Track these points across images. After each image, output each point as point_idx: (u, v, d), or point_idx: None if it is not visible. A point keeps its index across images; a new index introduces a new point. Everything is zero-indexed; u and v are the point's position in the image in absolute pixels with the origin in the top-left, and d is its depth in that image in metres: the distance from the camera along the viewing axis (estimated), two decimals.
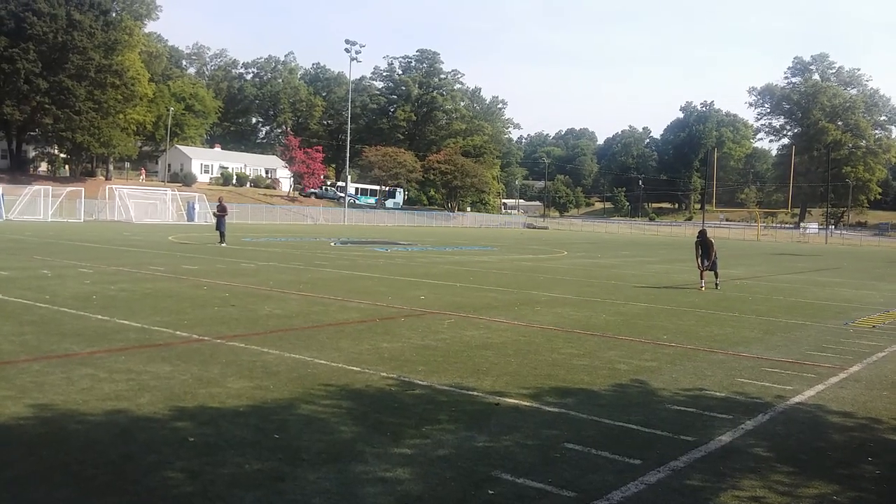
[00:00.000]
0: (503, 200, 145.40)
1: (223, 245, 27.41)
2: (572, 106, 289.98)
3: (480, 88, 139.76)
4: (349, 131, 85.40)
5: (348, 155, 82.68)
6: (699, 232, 18.66)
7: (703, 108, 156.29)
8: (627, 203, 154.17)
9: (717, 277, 18.45)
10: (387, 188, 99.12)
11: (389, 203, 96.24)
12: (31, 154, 79.84)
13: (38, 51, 64.32)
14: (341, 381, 7.17)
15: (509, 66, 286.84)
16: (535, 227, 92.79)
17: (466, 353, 8.83)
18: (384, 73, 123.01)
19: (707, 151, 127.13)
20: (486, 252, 31.96)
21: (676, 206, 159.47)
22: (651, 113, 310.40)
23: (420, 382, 7.24)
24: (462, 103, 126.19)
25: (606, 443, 5.61)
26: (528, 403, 6.66)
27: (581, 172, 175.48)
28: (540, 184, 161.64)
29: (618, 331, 11.09)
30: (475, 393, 6.94)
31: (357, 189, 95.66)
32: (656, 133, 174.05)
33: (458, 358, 8.49)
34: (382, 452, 5.15)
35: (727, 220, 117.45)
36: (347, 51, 72.53)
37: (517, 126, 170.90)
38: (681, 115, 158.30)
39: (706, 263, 18.01)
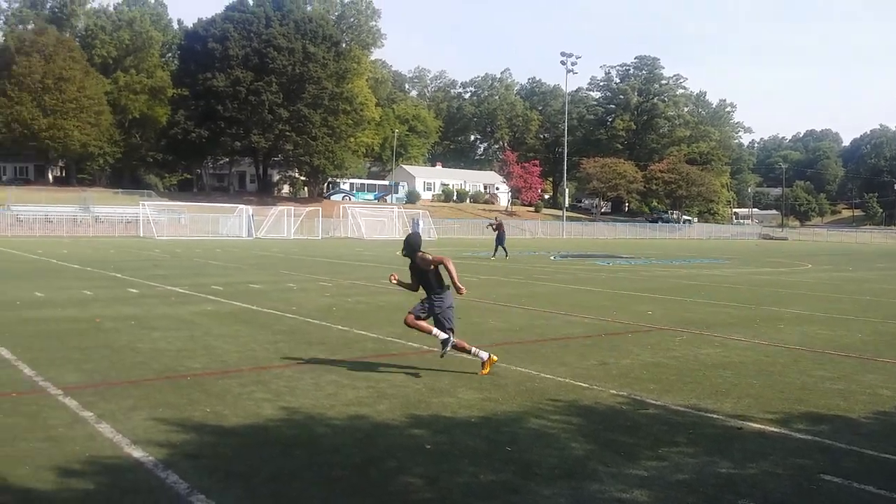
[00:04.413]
0: (734, 210, 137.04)
1: (506, 258, 29.53)
2: (810, 106, 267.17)
3: (705, 92, 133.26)
4: (566, 144, 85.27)
5: (565, 167, 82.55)
6: None
7: None
8: (881, 210, 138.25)
9: None
10: (388, 183, 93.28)
11: (393, 199, 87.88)
12: (276, 177, 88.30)
13: (279, 83, 71.17)
14: (569, 396, 7.04)
15: (736, 68, 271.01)
16: (772, 238, 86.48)
17: (702, 372, 8.32)
18: (601, 83, 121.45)
19: None
20: (717, 265, 30.22)
21: None
22: None
23: (653, 402, 6.92)
24: (686, 109, 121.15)
25: (870, 476, 4.98)
26: (774, 429, 6.11)
27: (824, 177, 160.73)
28: (776, 191, 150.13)
29: (877, 352, 9.91)
30: (715, 415, 6.49)
31: (351, 185, 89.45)
32: None
33: (693, 377, 8.02)
34: (617, 472, 4.95)
35: None
36: (563, 63, 72.67)
37: (748, 130, 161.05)
38: None
39: None
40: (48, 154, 74.83)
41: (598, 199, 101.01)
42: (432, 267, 7.98)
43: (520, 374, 7.91)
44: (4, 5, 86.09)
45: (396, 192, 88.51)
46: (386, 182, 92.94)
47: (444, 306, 7.95)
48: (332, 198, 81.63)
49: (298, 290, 16.32)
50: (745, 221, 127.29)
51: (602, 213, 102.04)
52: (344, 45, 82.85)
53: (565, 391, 7.24)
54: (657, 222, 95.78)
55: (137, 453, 5.12)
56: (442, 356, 8.07)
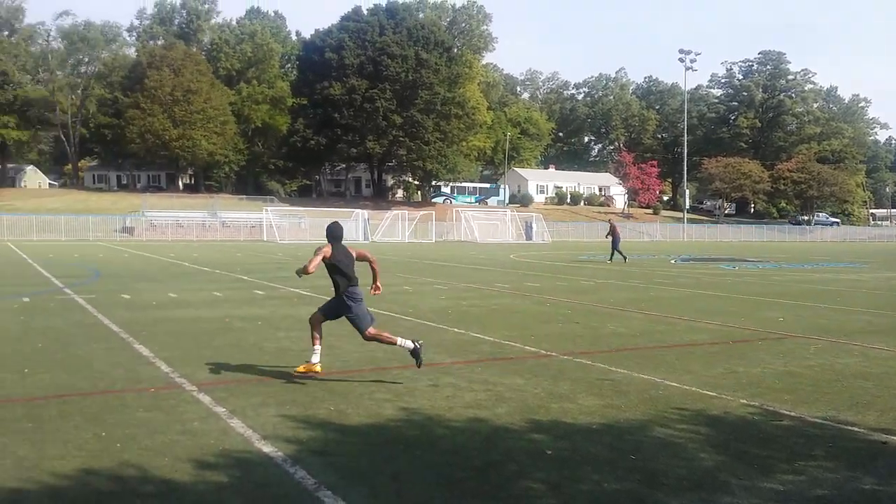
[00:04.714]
0: (871, 211, 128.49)
1: (624, 260, 28.64)
2: None
3: (836, 87, 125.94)
4: (685, 143, 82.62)
5: (685, 168, 80.00)
6: None
7: None
8: None
9: None
10: (489, 185, 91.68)
11: (493, 201, 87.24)
12: (390, 182, 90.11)
13: (393, 90, 72.64)
14: (696, 405, 6.76)
15: (869, 61, 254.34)
16: None
17: (840, 382, 7.80)
18: (722, 80, 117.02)
19: None
20: (853, 269, 28.40)
21: None
22: None
23: (787, 413, 6.54)
24: (815, 105, 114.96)
25: None
26: None
27: None
28: None
29: None
30: (856, 429, 6.07)
31: (452, 188, 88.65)
32: None
33: (831, 388, 7.53)
34: (751, 485, 4.70)
35: None
36: (681, 60, 70.64)
37: (884, 126, 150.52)
38: None
39: None
40: (178, 163, 79.42)
41: (720, 200, 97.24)
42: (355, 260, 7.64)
43: (642, 381, 7.68)
44: (136, 22, 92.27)
45: (497, 195, 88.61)
46: (487, 185, 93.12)
47: (360, 308, 7.53)
48: (434, 200, 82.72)
49: (414, 293, 16.54)
50: (884, 223, 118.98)
51: (725, 215, 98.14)
52: (455, 51, 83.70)
53: (692, 400, 6.96)
54: (801, 224, 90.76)
55: (267, 448, 5.30)
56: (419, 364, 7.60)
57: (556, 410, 6.52)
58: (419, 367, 7.59)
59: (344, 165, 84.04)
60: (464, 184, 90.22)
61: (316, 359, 7.43)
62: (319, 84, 72.36)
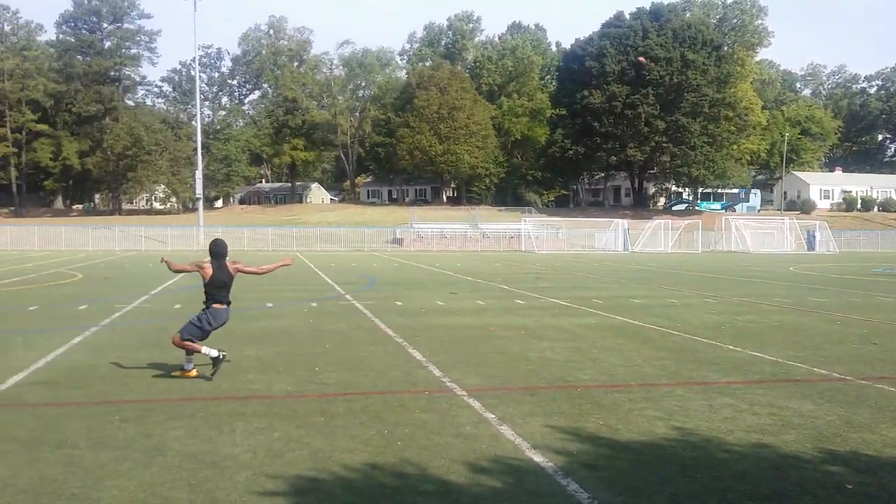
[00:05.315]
0: None
1: None
2: None
3: None
4: None
5: None
6: None
7: None
8: None
9: None
10: (737, 191, 79.88)
11: (742, 208, 76.37)
12: (651, 190, 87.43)
13: (656, 94, 70.36)
14: None
15: None
16: None
17: None
18: None
19: None
20: None
21: None
22: None
23: None
24: None
25: None
26: None
27: None
28: None
29: None
30: None
31: (695, 194, 79.79)
32: None
33: None
34: None
35: None
36: None
37: None
38: None
39: None
40: (443, 177, 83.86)
41: None
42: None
43: None
44: (407, 46, 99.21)
45: (747, 201, 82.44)
46: (734, 190, 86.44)
47: (200, 319, 7.93)
48: (674, 208, 79.13)
49: (681, 306, 15.78)
50: None
51: None
52: (726, 49, 79.10)
53: None
54: None
55: (538, 458, 5.28)
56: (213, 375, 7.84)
57: (854, 440, 5.79)
58: (211, 377, 7.78)
59: (603, 174, 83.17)
60: (707, 190, 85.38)
61: (190, 366, 7.98)
62: (579, 93, 72.39)
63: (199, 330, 7.89)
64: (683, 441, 5.77)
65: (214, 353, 7.78)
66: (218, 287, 7.97)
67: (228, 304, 8.13)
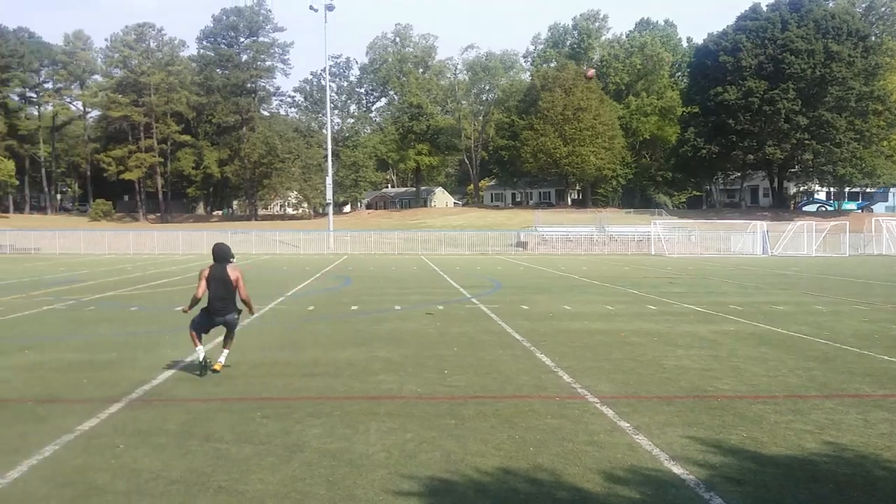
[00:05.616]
0: None
1: None
2: None
3: None
4: None
5: None
6: None
7: None
8: None
9: None
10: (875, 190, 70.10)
11: (880, 207, 66.76)
12: (792, 190, 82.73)
13: (797, 88, 66.49)
14: None
15: None
16: None
17: None
18: None
19: None
20: None
21: None
22: None
23: None
24: None
25: None
26: None
27: None
28: None
29: None
30: None
31: (828, 194, 72.39)
32: None
33: None
34: None
35: None
36: None
37: None
38: None
39: None
40: (567, 179, 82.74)
41: None
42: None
43: None
44: (531, 48, 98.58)
45: (885, 200, 75.91)
46: (873, 189, 79.74)
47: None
48: (805, 209, 74.09)
49: (828, 314, 14.79)
50: None
51: None
52: (873, 39, 73.80)
53: None
54: None
55: (677, 469, 5.07)
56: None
57: None
58: (201, 374, 8.22)
59: (738, 174, 79.48)
60: (845, 189, 79.47)
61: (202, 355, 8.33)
62: (712, 90, 69.58)
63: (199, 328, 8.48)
64: (837, 457, 5.39)
65: (201, 356, 8.29)
66: (211, 300, 8.36)
67: (230, 313, 8.45)
